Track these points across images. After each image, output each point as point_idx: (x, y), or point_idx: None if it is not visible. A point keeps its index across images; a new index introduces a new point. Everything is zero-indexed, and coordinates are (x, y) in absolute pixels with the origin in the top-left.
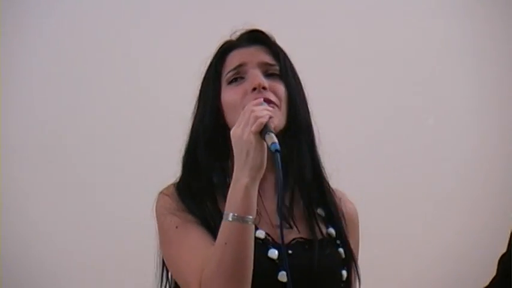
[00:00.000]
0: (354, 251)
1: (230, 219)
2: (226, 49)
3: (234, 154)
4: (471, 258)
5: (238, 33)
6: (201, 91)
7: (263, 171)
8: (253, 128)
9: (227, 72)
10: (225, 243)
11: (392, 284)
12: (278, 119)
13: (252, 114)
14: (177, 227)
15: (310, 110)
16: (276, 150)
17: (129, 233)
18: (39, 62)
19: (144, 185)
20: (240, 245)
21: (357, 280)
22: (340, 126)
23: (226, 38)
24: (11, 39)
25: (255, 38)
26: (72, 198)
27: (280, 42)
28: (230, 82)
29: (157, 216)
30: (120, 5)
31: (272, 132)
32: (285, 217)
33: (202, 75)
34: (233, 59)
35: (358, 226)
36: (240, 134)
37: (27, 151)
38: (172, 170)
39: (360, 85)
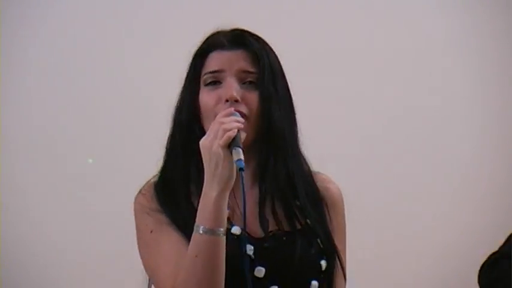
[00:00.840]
0: (339, 232)
1: (201, 231)
2: (208, 48)
3: (204, 164)
4: (474, 257)
5: (223, 32)
6: (182, 87)
7: (232, 182)
8: (221, 142)
9: (205, 73)
10: (196, 256)
11: (395, 282)
12: (247, 131)
13: (221, 127)
14: (151, 232)
15: (292, 114)
16: (240, 169)
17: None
18: (37, 61)
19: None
20: (211, 257)
21: (340, 268)
22: (343, 125)
23: (212, 31)
24: (9, 40)
25: (238, 41)
26: (71, 196)
27: (280, 40)
28: (207, 84)
29: (135, 216)
30: (116, 4)
31: (239, 147)
32: (263, 218)
33: (187, 68)
34: (212, 62)
35: (342, 207)
36: (209, 146)
37: (25, 149)
38: None
39: (364, 84)
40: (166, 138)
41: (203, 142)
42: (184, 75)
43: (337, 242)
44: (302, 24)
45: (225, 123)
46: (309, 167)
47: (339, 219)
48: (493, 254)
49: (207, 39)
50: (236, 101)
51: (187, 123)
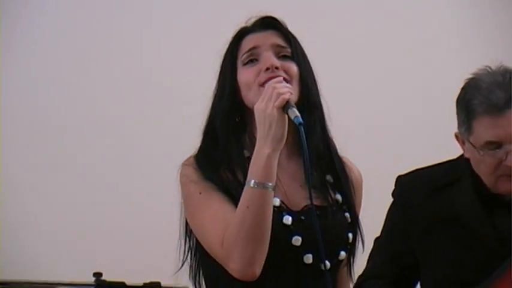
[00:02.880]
0: (357, 209)
1: (252, 185)
2: (241, 34)
3: (257, 126)
4: None
5: (252, 20)
6: (220, 72)
7: (283, 143)
8: (276, 103)
9: (242, 54)
10: (247, 207)
11: None
12: (294, 95)
13: (274, 91)
14: (200, 193)
15: (319, 90)
16: (300, 124)
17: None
18: (37, 59)
19: (144, 181)
20: (260, 209)
21: (361, 242)
22: (362, 116)
23: (242, 24)
24: (8, 36)
25: (268, 23)
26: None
27: (301, 30)
28: (245, 64)
29: (181, 186)
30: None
31: (294, 107)
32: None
33: (221, 59)
34: (247, 43)
35: (361, 190)
36: (264, 108)
37: (26, 147)
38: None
39: (381, 76)
40: (206, 116)
41: (258, 105)
42: (220, 63)
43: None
44: (322, 15)
45: (277, 88)
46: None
47: (359, 198)
48: (360, 276)
49: (240, 28)
50: (276, 68)
51: (227, 106)
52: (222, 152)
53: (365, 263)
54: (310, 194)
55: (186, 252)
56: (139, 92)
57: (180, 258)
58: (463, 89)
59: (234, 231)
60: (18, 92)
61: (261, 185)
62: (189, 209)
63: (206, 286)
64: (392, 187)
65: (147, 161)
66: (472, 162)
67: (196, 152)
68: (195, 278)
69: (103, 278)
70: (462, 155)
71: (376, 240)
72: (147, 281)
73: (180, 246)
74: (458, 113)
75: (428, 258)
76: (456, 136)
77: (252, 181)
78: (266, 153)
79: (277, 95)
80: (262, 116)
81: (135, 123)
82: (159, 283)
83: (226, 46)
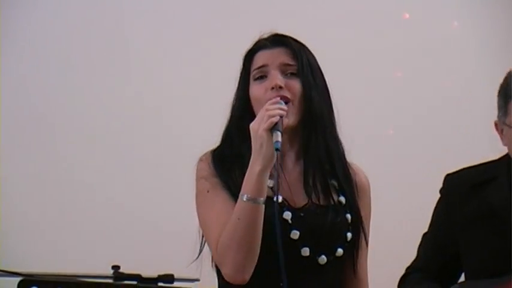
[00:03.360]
0: (366, 216)
1: (244, 199)
2: (254, 50)
3: (252, 144)
4: None
5: (265, 36)
6: (238, 82)
7: (274, 161)
8: (265, 126)
9: (253, 70)
10: (238, 219)
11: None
12: (291, 115)
13: (266, 113)
14: (208, 191)
15: (329, 101)
16: (276, 149)
17: None
18: (37, 57)
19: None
20: (251, 222)
21: (364, 242)
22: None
23: (256, 39)
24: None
25: (278, 40)
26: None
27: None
28: (256, 79)
29: (195, 179)
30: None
31: (279, 131)
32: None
33: (239, 72)
34: (258, 59)
35: (369, 195)
36: (256, 128)
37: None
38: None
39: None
40: (227, 121)
41: (252, 125)
42: (239, 74)
43: (364, 219)
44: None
45: (269, 110)
46: (343, 150)
47: (366, 200)
48: (407, 268)
49: (253, 44)
50: (280, 87)
51: (241, 113)
52: (236, 155)
53: (375, 262)
54: (277, 187)
55: (203, 242)
56: (138, 93)
57: (197, 248)
58: (505, 79)
59: (226, 239)
60: (11, 91)
61: (252, 200)
62: (197, 204)
63: (217, 274)
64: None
65: (161, 156)
66: (508, 149)
67: (214, 148)
68: (216, 266)
69: (121, 270)
70: (503, 156)
71: (424, 235)
72: (161, 273)
73: (199, 237)
74: (498, 101)
75: (468, 249)
76: (495, 124)
77: (245, 196)
78: (257, 170)
79: (267, 117)
80: (255, 136)
81: (147, 118)
82: (172, 275)
83: (243, 58)
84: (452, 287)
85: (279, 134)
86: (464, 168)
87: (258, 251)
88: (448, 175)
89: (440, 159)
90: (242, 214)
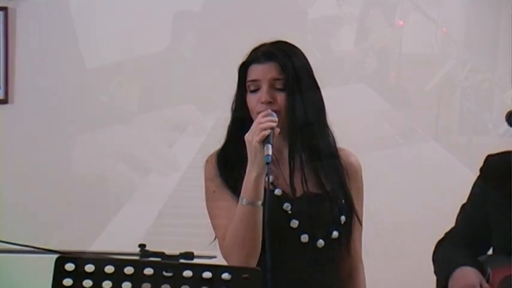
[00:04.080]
0: (358, 197)
1: (244, 203)
2: (248, 62)
3: (247, 153)
4: None
5: (259, 48)
6: (236, 91)
7: (266, 170)
8: (257, 138)
9: (248, 81)
10: (240, 220)
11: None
12: (279, 124)
13: (258, 126)
14: (214, 191)
15: (319, 105)
16: (267, 163)
17: None
18: (36, 55)
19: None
20: (251, 222)
21: (358, 221)
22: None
23: (252, 48)
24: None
25: (269, 56)
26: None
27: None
28: (251, 91)
29: (204, 179)
30: None
31: (270, 143)
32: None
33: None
34: (251, 73)
35: (360, 174)
36: (250, 140)
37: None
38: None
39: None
40: (229, 123)
41: (247, 137)
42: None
43: (356, 203)
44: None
45: (261, 123)
46: (334, 141)
47: (358, 184)
48: (446, 233)
49: (249, 54)
50: (269, 102)
51: (240, 117)
52: (238, 155)
53: (374, 244)
54: (267, 183)
55: None
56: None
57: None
58: None
59: (231, 238)
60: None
61: (251, 204)
62: (206, 203)
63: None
64: None
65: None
66: None
67: (219, 148)
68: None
69: (146, 248)
70: None
71: (462, 206)
72: (183, 251)
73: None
74: None
75: (493, 226)
76: None
77: (244, 200)
78: (253, 177)
79: (260, 130)
80: (249, 147)
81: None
82: (192, 253)
83: (239, 66)
84: (479, 258)
85: (270, 147)
86: (506, 151)
87: (260, 246)
88: (489, 155)
89: None
90: (243, 216)
